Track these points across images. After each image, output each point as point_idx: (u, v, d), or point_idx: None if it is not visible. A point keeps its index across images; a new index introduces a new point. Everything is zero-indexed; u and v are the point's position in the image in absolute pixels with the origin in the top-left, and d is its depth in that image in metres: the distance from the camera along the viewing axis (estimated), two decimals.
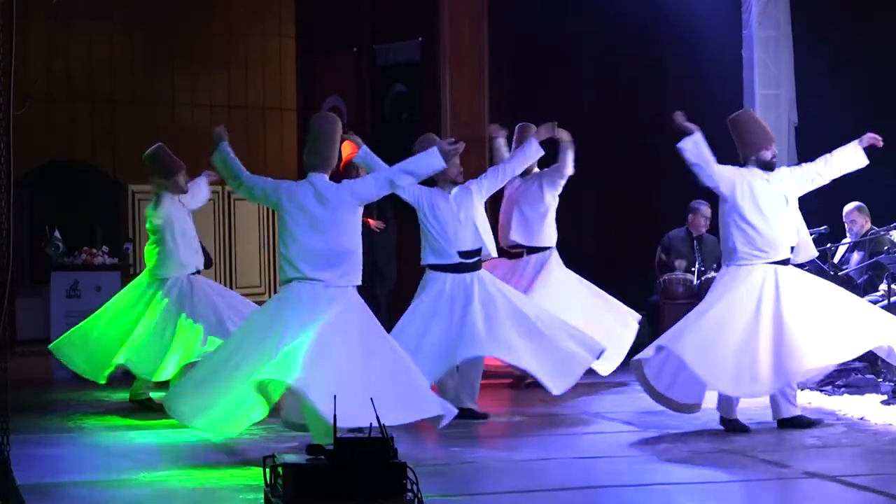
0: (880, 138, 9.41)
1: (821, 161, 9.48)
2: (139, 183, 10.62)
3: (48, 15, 12.94)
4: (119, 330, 10.50)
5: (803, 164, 9.67)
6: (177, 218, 10.57)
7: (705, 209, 12.79)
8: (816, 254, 9.72)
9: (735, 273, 9.22)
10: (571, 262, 15.18)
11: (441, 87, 14.20)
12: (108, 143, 16.14)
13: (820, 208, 11.79)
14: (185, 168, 10.75)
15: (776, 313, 9.00)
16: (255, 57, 17.45)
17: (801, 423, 9.23)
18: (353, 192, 8.39)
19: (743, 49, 13.40)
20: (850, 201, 11.82)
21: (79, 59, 15.79)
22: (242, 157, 8.74)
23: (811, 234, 11.67)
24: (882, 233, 11.38)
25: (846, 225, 11.85)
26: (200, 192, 10.97)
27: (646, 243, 13.47)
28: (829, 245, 11.80)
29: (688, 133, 9.32)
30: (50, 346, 10.97)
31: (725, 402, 9.21)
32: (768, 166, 9.35)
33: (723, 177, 9.27)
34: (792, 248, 9.32)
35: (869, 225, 11.73)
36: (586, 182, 15.48)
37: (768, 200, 9.22)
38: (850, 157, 9.45)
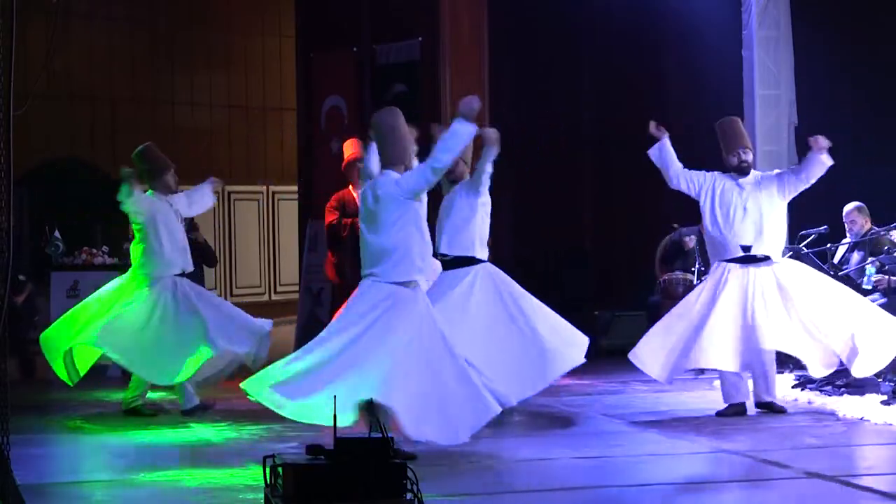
0: (823, 140, 9.79)
1: (794, 172, 9.95)
2: (140, 182, 10.55)
3: (48, 15, 12.93)
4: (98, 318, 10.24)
5: (787, 171, 10.08)
6: (160, 216, 10.36)
7: None
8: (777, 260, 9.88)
9: (709, 273, 10.09)
10: (571, 261, 15.19)
11: (441, 87, 14.18)
12: (107, 143, 16.16)
13: (820, 208, 11.80)
14: (173, 167, 10.55)
15: (709, 305, 9.69)
16: (255, 57, 17.48)
17: (773, 408, 9.80)
18: (398, 186, 8.29)
19: (743, 49, 13.40)
20: (850, 201, 11.82)
21: (79, 59, 15.81)
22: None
23: (811, 234, 11.72)
24: (882, 233, 11.37)
25: (846, 225, 11.84)
26: (203, 199, 10.81)
27: (646, 243, 13.47)
28: (829, 245, 11.80)
29: (657, 140, 10.02)
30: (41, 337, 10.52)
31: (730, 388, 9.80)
32: (738, 170, 9.92)
33: (686, 181, 9.99)
34: (749, 247, 9.76)
35: (869, 225, 11.72)
36: (586, 182, 15.50)
37: (724, 203, 9.84)
38: (817, 165, 9.80)
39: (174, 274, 10.38)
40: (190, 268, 10.58)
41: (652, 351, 9.83)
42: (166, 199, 10.49)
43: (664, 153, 10.00)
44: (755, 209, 9.78)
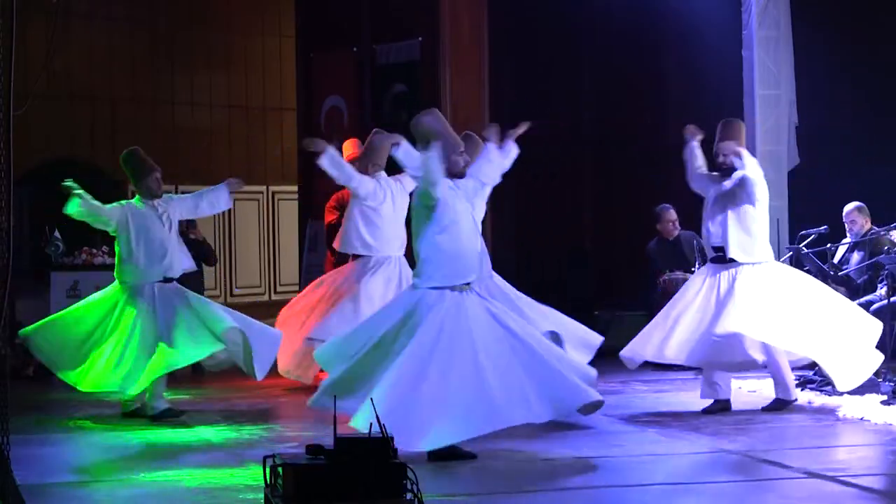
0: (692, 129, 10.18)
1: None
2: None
3: (48, 15, 12.93)
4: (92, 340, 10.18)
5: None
6: (134, 223, 10.19)
7: (668, 213, 12.85)
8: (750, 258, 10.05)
9: None
10: (572, 261, 15.16)
11: (441, 87, 14.19)
12: (107, 143, 16.15)
13: (820, 208, 11.80)
14: (159, 171, 10.36)
15: (703, 304, 9.94)
16: (255, 57, 17.46)
17: (779, 405, 10.01)
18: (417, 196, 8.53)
19: (743, 49, 13.41)
20: (850, 201, 11.82)
21: (79, 59, 15.80)
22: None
23: (811, 234, 11.73)
24: (882, 233, 11.38)
25: (846, 225, 11.84)
26: (219, 201, 10.61)
27: (646, 243, 13.47)
28: (829, 245, 11.80)
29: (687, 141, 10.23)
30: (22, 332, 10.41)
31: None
32: (719, 170, 10.10)
33: (695, 185, 10.22)
34: (721, 248, 9.99)
35: (869, 225, 11.72)
36: (586, 182, 15.51)
37: (707, 205, 10.10)
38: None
39: (153, 282, 10.19)
40: (177, 274, 10.36)
41: (641, 345, 10.12)
42: (152, 203, 10.32)
43: (687, 155, 10.17)
44: (721, 211, 9.98)
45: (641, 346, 10.10)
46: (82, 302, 10.54)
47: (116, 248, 10.32)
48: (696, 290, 10.04)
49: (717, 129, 10.12)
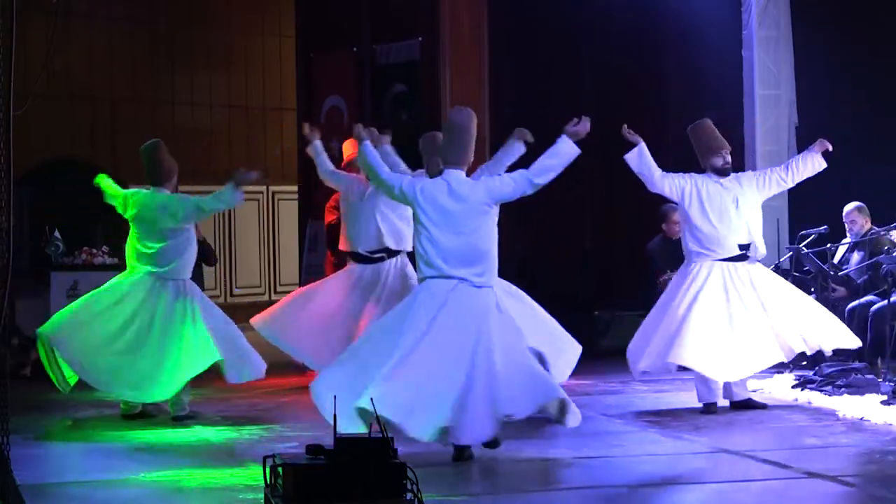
0: (828, 143, 10.02)
1: (782, 168, 10.18)
2: (139, 182, 10.49)
3: (48, 15, 12.94)
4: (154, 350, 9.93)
5: (767, 170, 10.32)
6: None
7: (675, 213, 12.83)
8: (765, 252, 10.21)
9: (686, 271, 10.06)
10: (572, 261, 15.13)
11: (441, 87, 14.19)
12: (107, 143, 16.16)
13: (820, 208, 11.80)
14: (177, 168, 10.31)
15: (718, 305, 9.82)
16: (255, 57, 17.48)
17: (750, 405, 10.02)
18: (488, 190, 8.33)
19: (743, 49, 13.41)
20: (850, 201, 11.82)
21: (79, 59, 15.81)
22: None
23: (811, 234, 11.74)
24: (882, 233, 11.38)
25: (846, 225, 11.84)
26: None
27: (646, 243, 13.46)
28: (829, 245, 11.80)
29: (634, 144, 10.05)
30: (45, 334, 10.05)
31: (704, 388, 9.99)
32: (720, 172, 10.06)
33: (668, 184, 10.05)
34: (747, 246, 9.98)
35: (869, 225, 11.73)
36: (586, 183, 15.49)
37: (715, 204, 9.96)
38: (809, 164, 10.06)
39: (187, 277, 10.16)
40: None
41: (637, 348, 10.02)
42: None
43: (644, 157, 10.01)
44: (746, 208, 9.99)
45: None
46: (104, 300, 10.23)
47: (164, 243, 10.05)
48: (741, 295, 9.88)
49: (696, 133, 10.16)
